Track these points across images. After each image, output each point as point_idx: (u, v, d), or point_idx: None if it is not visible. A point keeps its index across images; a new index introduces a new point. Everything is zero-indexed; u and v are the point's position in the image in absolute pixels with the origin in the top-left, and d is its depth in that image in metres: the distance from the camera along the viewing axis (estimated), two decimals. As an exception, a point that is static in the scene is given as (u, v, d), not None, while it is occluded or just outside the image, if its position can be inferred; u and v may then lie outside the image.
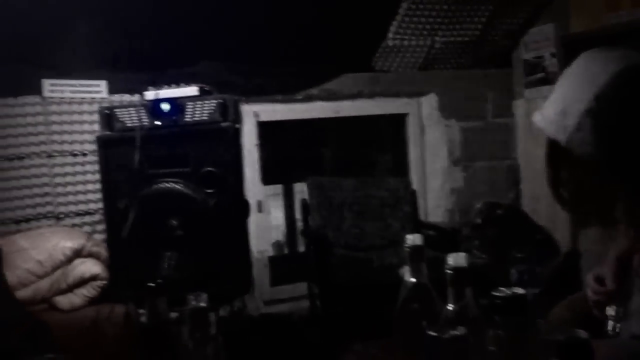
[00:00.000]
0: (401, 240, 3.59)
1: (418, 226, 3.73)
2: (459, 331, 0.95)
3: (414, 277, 1.30)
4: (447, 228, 3.82)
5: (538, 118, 1.41)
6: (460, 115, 4.30)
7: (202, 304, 1.11)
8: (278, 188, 4.60)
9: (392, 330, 1.32)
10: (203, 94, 2.81)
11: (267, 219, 4.17)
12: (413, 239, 1.30)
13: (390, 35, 3.87)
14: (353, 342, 3.15)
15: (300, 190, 6.08)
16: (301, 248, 5.01)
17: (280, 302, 3.98)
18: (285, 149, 4.35)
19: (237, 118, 2.85)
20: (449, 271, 1.15)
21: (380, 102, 4.15)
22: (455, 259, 1.14)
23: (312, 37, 3.72)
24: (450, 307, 1.15)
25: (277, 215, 4.55)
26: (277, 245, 4.58)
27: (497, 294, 1.05)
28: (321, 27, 3.70)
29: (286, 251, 4.69)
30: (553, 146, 1.39)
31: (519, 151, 4.39)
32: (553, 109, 1.37)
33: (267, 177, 4.08)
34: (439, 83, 4.25)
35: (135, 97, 3.77)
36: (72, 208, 3.68)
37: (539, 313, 1.75)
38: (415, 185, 4.11)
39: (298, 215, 4.99)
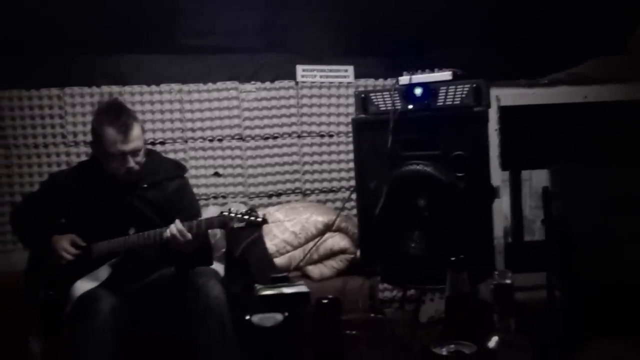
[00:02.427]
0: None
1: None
2: None
3: None
4: None
5: None
6: None
7: (507, 281, 1.15)
8: (504, 175, 4.51)
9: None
10: (456, 79, 2.82)
11: (500, 205, 4.11)
12: None
13: (651, 14, 3.58)
14: (596, 337, 3.00)
15: (527, 177, 5.88)
16: (527, 237, 4.86)
17: (514, 291, 3.90)
18: (514, 135, 4.21)
19: (488, 102, 2.83)
20: None
21: (635, 86, 3.86)
22: None
23: (561, 18, 3.57)
24: None
25: (503, 202, 4.46)
26: (504, 232, 4.50)
27: None
28: (571, 7, 3.53)
29: (510, 239, 4.59)
30: None
31: None
32: None
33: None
34: None
35: (379, 82, 3.93)
36: (317, 185, 3.95)
37: None
38: (672, 177, 3.78)
39: (524, 203, 4.85)
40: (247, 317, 1.19)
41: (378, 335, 1.15)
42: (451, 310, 1.24)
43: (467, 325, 1.21)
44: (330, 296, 1.09)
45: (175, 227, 2.55)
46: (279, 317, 1.14)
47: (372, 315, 1.23)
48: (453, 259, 1.28)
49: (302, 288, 1.57)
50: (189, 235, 2.55)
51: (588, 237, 3.44)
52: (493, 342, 1.16)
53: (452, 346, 1.16)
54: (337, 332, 1.09)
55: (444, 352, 1.14)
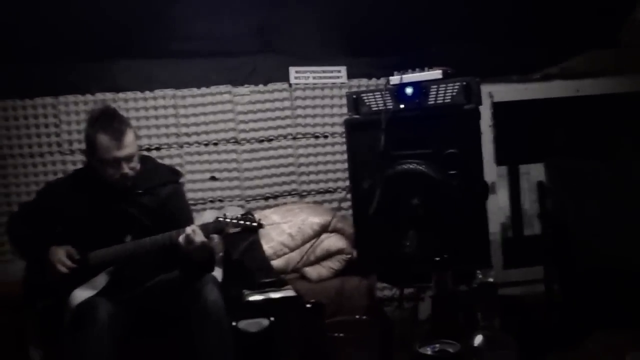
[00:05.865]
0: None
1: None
2: None
3: None
4: None
5: None
6: None
7: (490, 279, 1.15)
8: (502, 170, 4.52)
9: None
10: (446, 77, 2.83)
11: (496, 201, 4.12)
12: None
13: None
14: (594, 330, 3.00)
15: (526, 171, 5.87)
16: (527, 231, 4.85)
17: (513, 285, 3.92)
18: (510, 130, 4.22)
19: (479, 100, 2.84)
20: None
21: (627, 79, 3.87)
22: None
23: (551, 12, 3.58)
24: None
25: (501, 197, 4.47)
26: (502, 227, 4.51)
27: None
28: (561, 1, 3.54)
29: (510, 234, 4.59)
30: None
31: None
32: None
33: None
34: (698, 57, 3.85)
35: (372, 81, 3.94)
36: (314, 186, 3.96)
37: None
38: (666, 169, 3.77)
39: (523, 197, 4.84)
40: (234, 323, 1.20)
41: (364, 336, 1.16)
42: (436, 310, 1.25)
43: (453, 324, 1.22)
44: (313, 300, 1.09)
45: (188, 230, 2.55)
46: (264, 322, 1.16)
47: (357, 317, 1.23)
48: (437, 259, 1.28)
49: (290, 292, 1.58)
50: (201, 240, 2.55)
51: (584, 230, 3.44)
52: (477, 340, 1.17)
53: (437, 345, 1.17)
54: (321, 336, 1.10)
55: (429, 351, 1.15)
